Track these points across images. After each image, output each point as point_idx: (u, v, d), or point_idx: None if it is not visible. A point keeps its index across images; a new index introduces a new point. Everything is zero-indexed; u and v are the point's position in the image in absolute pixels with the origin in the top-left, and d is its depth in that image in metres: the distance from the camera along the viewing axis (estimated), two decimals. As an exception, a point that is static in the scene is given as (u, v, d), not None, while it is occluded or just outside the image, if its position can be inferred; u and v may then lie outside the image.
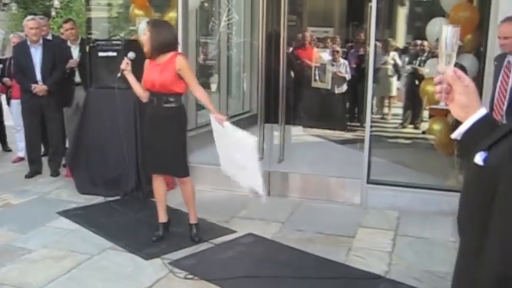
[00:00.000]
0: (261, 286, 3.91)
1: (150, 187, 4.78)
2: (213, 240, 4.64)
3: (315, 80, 8.77)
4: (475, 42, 5.67)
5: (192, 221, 4.65)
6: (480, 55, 5.52)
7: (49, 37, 7.10)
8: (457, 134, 1.40)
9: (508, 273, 1.01)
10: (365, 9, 8.70)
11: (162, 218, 4.67)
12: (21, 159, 7.34)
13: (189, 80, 4.38)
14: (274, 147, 6.55)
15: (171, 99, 4.39)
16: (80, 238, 4.71)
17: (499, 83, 4.33)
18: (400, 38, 11.85)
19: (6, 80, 7.41)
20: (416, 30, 10.65)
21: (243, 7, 9.28)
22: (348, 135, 9.04)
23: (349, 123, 9.66)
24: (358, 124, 9.32)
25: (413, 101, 8.89)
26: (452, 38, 1.46)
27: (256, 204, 5.61)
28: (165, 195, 4.67)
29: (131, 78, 4.43)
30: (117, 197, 5.76)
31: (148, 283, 3.87)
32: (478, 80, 5.26)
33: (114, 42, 6.24)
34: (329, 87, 8.87)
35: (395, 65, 9.67)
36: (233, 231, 4.87)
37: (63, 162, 6.73)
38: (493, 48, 4.82)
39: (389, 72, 9.68)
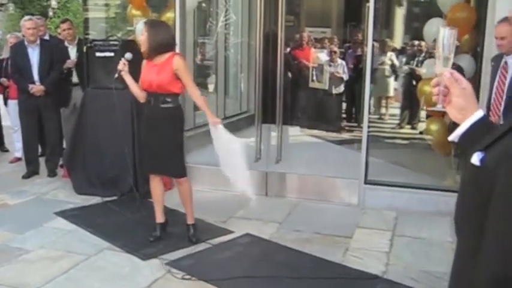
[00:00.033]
0: (258, 286, 3.91)
1: (148, 187, 4.78)
2: (211, 240, 4.64)
3: (313, 80, 8.77)
4: (472, 43, 5.68)
5: (190, 221, 4.65)
6: (477, 55, 5.53)
7: (46, 37, 7.08)
8: (454, 136, 1.40)
9: (504, 274, 1.01)
10: (362, 10, 8.69)
11: (160, 218, 4.67)
12: (19, 159, 7.33)
13: (185, 81, 4.38)
14: (272, 148, 6.56)
15: (169, 100, 4.39)
16: (77, 238, 4.70)
17: (496, 84, 4.34)
18: (398, 39, 11.86)
19: (3, 80, 7.40)
20: (414, 31, 10.67)
21: (241, 7, 9.29)
22: (346, 135, 9.04)
23: (346, 124, 9.67)
24: (355, 124, 9.32)
25: (411, 102, 8.90)
26: (449, 40, 1.47)
27: (254, 205, 5.62)
28: (162, 195, 4.67)
29: (128, 79, 4.43)
30: (114, 198, 5.76)
31: (146, 283, 3.87)
32: (475, 81, 5.27)
33: (111, 42, 6.23)
34: (326, 87, 8.87)
35: (392, 66, 9.68)
36: (230, 232, 4.87)
37: (61, 162, 6.72)
38: (490, 49, 4.83)
39: (387, 73, 9.69)
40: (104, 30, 8.06)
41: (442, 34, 1.47)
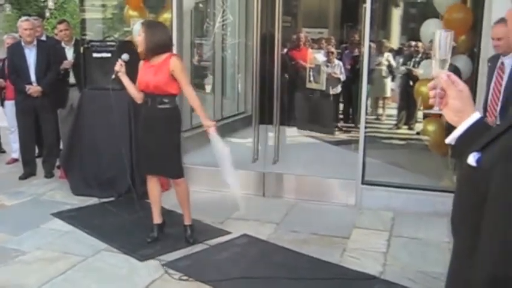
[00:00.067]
0: (255, 287, 3.91)
1: (145, 188, 4.77)
2: (208, 241, 4.64)
3: (310, 81, 8.78)
4: (468, 43, 5.70)
5: (187, 222, 4.65)
6: (474, 56, 5.54)
7: (43, 38, 7.08)
8: (451, 139, 1.41)
9: (500, 274, 1.02)
10: (359, 10, 8.71)
11: (157, 219, 4.67)
12: (15, 160, 7.32)
13: (181, 82, 4.38)
14: (269, 148, 6.55)
15: (166, 100, 4.39)
16: (74, 239, 4.69)
17: (492, 84, 4.35)
18: (394, 39, 11.86)
19: (0, 81, 7.39)
20: (411, 31, 10.67)
21: (238, 8, 9.29)
22: (343, 136, 9.05)
23: (343, 125, 9.67)
24: (352, 125, 9.33)
25: (408, 102, 8.91)
26: (445, 42, 1.47)
27: (251, 206, 5.62)
28: (159, 196, 4.67)
29: (125, 80, 4.43)
30: (112, 198, 5.75)
31: (143, 284, 3.87)
32: (472, 81, 5.28)
33: (108, 43, 6.23)
34: (323, 88, 8.87)
35: (389, 66, 9.69)
36: (228, 233, 4.87)
37: (57, 163, 6.71)
38: (487, 49, 4.84)
39: (384, 73, 9.70)
40: (101, 31, 8.06)
41: (438, 37, 1.48)
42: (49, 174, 6.64)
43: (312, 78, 8.74)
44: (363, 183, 5.63)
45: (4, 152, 8.08)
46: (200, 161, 5.95)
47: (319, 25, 11.66)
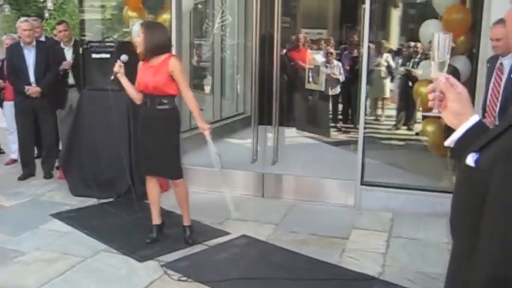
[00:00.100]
0: (254, 288, 3.91)
1: (144, 189, 4.77)
2: (207, 242, 4.64)
3: (309, 81, 8.77)
4: (467, 44, 5.70)
5: (186, 223, 4.65)
6: (473, 57, 5.55)
7: (42, 39, 7.08)
8: (450, 142, 1.41)
9: (499, 274, 1.02)
10: (358, 11, 8.72)
11: (156, 220, 4.66)
12: (15, 161, 7.31)
13: (180, 83, 4.37)
14: (268, 149, 6.56)
15: (165, 101, 4.39)
16: (73, 240, 4.69)
17: (491, 85, 4.35)
18: (394, 40, 11.86)
19: (-1, 81, 7.39)
20: (410, 32, 10.67)
21: (237, 9, 9.29)
22: (342, 136, 9.06)
23: (342, 125, 9.68)
24: (351, 126, 9.33)
25: (407, 103, 8.91)
26: (444, 45, 1.47)
27: (250, 206, 5.63)
28: (158, 197, 4.66)
29: (124, 81, 4.43)
30: (111, 199, 5.75)
31: (142, 285, 3.86)
32: (471, 82, 5.28)
33: (107, 44, 6.23)
34: (323, 88, 8.87)
35: (388, 67, 9.69)
36: (227, 233, 4.86)
37: (57, 164, 6.71)
38: (486, 50, 4.85)
39: (383, 74, 9.70)
40: (100, 32, 8.06)
41: (436, 39, 1.48)
42: (48, 175, 6.63)
43: (311, 79, 8.73)
44: (362, 183, 5.63)
45: (3, 152, 8.07)
46: (199, 162, 5.95)
47: (318, 26, 11.66)
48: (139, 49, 4.36)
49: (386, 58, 9.71)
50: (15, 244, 4.57)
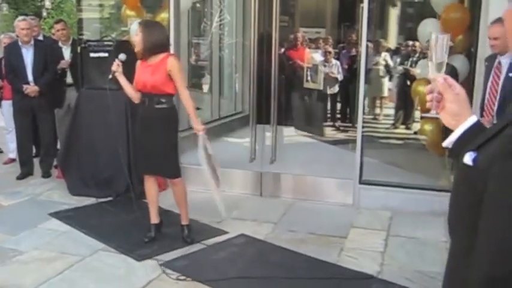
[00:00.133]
0: (253, 287, 3.91)
1: (142, 188, 4.77)
2: (205, 241, 4.64)
3: (307, 80, 8.78)
4: (466, 43, 5.70)
5: (184, 222, 4.65)
6: (471, 56, 5.55)
7: (40, 38, 7.06)
8: (448, 142, 1.41)
9: (497, 273, 1.02)
10: (357, 10, 8.72)
11: (154, 219, 4.66)
12: (13, 160, 7.30)
13: (177, 82, 4.37)
14: (266, 148, 6.56)
15: (163, 100, 4.38)
16: (72, 239, 4.69)
17: (489, 84, 4.35)
18: (392, 39, 11.88)
19: (-3, 81, 7.38)
20: (408, 31, 10.70)
21: (235, 8, 9.29)
22: (340, 135, 9.06)
23: (340, 124, 9.68)
24: (350, 124, 9.34)
25: (405, 102, 8.92)
26: (441, 45, 1.47)
27: (249, 205, 5.63)
28: (156, 196, 4.66)
29: (122, 80, 4.42)
30: (109, 198, 5.75)
31: (140, 284, 3.86)
32: (469, 81, 5.29)
33: (105, 43, 6.22)
34: (321, 87, 8.88)
35: (386, 66, 9.70)
36: (225, 232, 4.86)
37: (55, 163, 6.70)
38: (484, 49, 4.85)
39: (381, 73, 9.71)
40: (98, 31, 8.05)
41: (433, 40, 1.48)
42: (46, 174, 6.63)
43: (309, 78, 8.74)
44: (360, 182, 5.63)
45: (1, 152, 8.06)
46: (197, 161, 5.94)
47: (317, 25, 11.67)
48: (138, 48, 4.36)
49: (385, 57, 9.72)
50: (13, 243, 4.57)
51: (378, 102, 10.24)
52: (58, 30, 7.19)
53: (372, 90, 9.50)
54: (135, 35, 4.42)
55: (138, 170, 4.90)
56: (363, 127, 5.70)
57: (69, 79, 6.98)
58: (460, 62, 5.48)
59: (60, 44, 7.05)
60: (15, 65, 6.42)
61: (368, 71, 6.86)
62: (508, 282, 1.00)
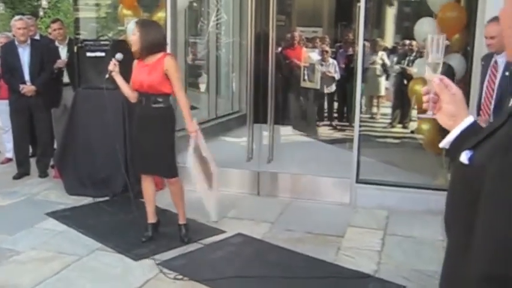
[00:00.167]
0: (250, 286, 3.91)
1: (139, 187, 4.77)
2: (203, 240, 4.64)
3: (304, 79, 8.78)
4: (462, 42, 5.71)
5: (181, 221, 4.65)
6: (468, 55, 5.56)
7: (37, 37, 7.05)
8: (445, 143, 1.41)
9: (494, 272, 1.02)
10: (353, 9, 8.71)
11: (151, 218, 4.66)
12: (9, 160, 7.29)
13: (173, 82, 4.36)
14: (264, 147, 6.56)
15: (160, 100, 4.38)
16: (69, 239, 4.68)
17: (486, 83, 4.36)
18: (389, 38, 11.88)
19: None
20: (405, 30, 10.68)
21: (232, 7, 9.29)
22: (337, 134, 9.07)
23: (337, 123, 9.69)
24: (347, 124, 9.34)
25: (402, 101, 8.93)
26: (437, 46, 1.47)
27: (246, 205, 5.63)
28: (154, 195, 4.66)
29: (119, 80, 4.42)
30: (106, 198, 5.74)
31: (138, 284, 3.86)
32: (466, 80, 5.29)
33: (102, 42, 6.22)
34: (318, 87, 8.89)
35: (383, 65, 9.70)
36: (222, 232, 4.86)
37: (52, 163, 6.69)
38: (480, 48, 4.85)
39: (378, 72, 9.71)
40: (95, 30, 8.04)
41: (429, 41, 1.48)
42: (43, 174, 6.62)
43: (306, 77, 8.74)
44: (357, 181, 5.64)
45: (-2, 151, 8.05)
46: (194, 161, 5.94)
47: (314, 24, 11.65)
48: (135, 47, 4.35)
49: (382, 56, 9.72)
50: (10, 243, 4.56)
51: (374, 101, 10.24)
52: (55, 30, 7.18)
53: (369, 89, 9.51)
54: (132, 34, 4.41)
55: (135, 170, 4.90)
56: (360, 126, 5.71)
57: (65, 79, 6.96)
58: (456, 61, 5.49)
59: (56, 43, 7.04)
60: (12, 65, 6.41)
61: (365, 70, 6.87)
62: (506, 280, 1.00)
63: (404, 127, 9.16)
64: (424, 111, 1.48)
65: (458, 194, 1.19)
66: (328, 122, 9.73)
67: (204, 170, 4.60)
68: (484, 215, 1.05)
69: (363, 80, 5.79)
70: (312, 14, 12.12)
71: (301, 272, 4.09)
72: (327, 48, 9.34)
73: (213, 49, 8.94)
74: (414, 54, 8.79)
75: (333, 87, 9.36)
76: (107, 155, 5.68)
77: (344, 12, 11.05)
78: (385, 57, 9.77)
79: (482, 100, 4.36)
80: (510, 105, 1.98)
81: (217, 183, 4.80)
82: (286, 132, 8.45)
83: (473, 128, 1.38)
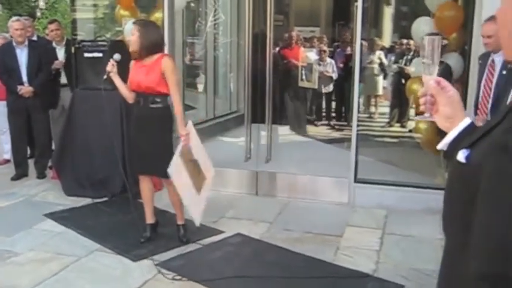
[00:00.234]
0: (249, 286, 3.91)
1: (137, 188, 4.76)
2: (201, 240, 4.64)
3: (302, 79, 8.78)
4: (460, 41, 5.71)
5: (180, 221, 4.64)
6: (465, 54, 5.56)
7: (34, 38, 7.04)
8: (443, 145, 1.41)
9: (492, 270, 1.02)
10: (351, 9, 8.72)
11: (150, 219, 4.66)
12: (7, 161, 7.28)
13: (170, 83, 4.34)
14: (262, 147, 6.56)
15: (158, 100, 4.38)
16: (67, 240, 4.68)
17: (483, 82, 4.36)
18: (386, 37, 11.89)
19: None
20: (402, 30, 10.69)
21: (230, 7, 9.29)
22: (335, 134, 9.07)
23: (335, 123, 9.69)
24: (345, 123, 9.34)
25: (400, 100, 8.94)
26: (433, 48, 1.48)
27: (244, 205, 5.63)
28: (152, 196, 4.66)
29: (117, 80, 4.41)
30: (105, 199, 5.74)
31: (136, 284, 3.86)
32: (463, 79, 5.30)
33: (99, 43, 6.21)
34: (316, 86, 8.89)
35: (381, 64, 9.71)
36: (221, 232, 4.86)
37: (50, 164, 6.68)
38: (478, 47, 4.86)
39: (376, 71, 9.71)
40: (92, 31, 8.04)
41: (426, 42, 1.48)
42: (41, 175, 6.61)
43: (304, 77, 8.74)
44: (355, 181, 5.64)
45: (-5, 153, 8.04)
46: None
47: (311, 24, 11.66)
48: (134, 48, 4.35)
49: (379, 55, 9.72)
50: (8, 245, 4.55)
51: (372, 100, 10.25)
52: (52, 31, 7.17)
53: (367, 88, 9.51)
54: (131, 35, 4.40)
55: (133, 170, 4.89)
56: (358, 125, 5.71)
57: (63, 79, 6.95)
58: (454, 60, 5.49)
59: (54, 44, 7.03)
60: (10, 66, 6.40)
61: (363, 70, 6.87)
62: (503, 279, 1.00)
63: (403, 126, 9.17)
64: (422, 113, 1.48)
65: (455, 193, 1.20)
66: (326, 122, 9.73)
67: (193, 174, 4.54)
68: (481, 213, 1.05)
69: (361, 80, 5.79)
70: (309, 14, 12.13)
71: (300, 271, 4.09)
72: (325, 48, 9.34)
73: (210, 49, 8.94)
74: (412, 53, 8.80)
75: (331, 87, 9.36)
76: (105, 156, 5.67)
77: (342, 12, 11.05)
78: (382, 56, 9.77)
79: (480, 99, 4.37)
80: (507, 103, 1.98)
81: (209, 189, 4.73)
82: (284, 132, 8.46)
83: (470, 129, 1.38)
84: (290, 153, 6.99)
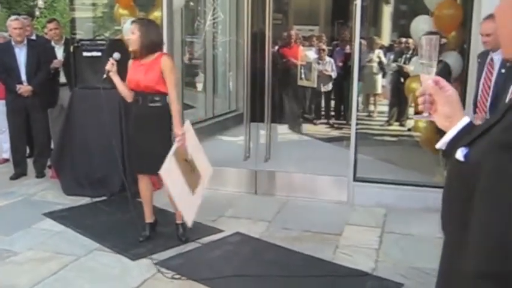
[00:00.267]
0: (248, 285, 3.91)
1: (136, 187, 4.76)
2: (200, 239, 4.64)
3: (301, 78, 8.78)
4: (458, 40, 5.71)
5: (179, 220, 4.64)
6: (464, 52, 5.56)
7: (33, 37, 7.04)
8: (442, 144, 1.41)
9: (490, 268, 1.02)
10: (350, 8, 8.71)
11: (149, 218, 4.66)
12: (6, 160, 7.28)
13: (168, 82, 4.34)
14: (261, 146, 6.56)
15: (157, 99, 4.37)
16: (66, 239, 4.68)
17: (482, 80, 4.36)
18: (385, 36, 11.89)
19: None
20: (401, 28, 10.69)
21: (228, 6, 9.29)
22: (334, 132, 9.07)
23: (334, 121, 9.69)
24: (344, 122, 9.35)
25: (399, 99, 8.93)
26: (431, 47, 1.47)
27: (243, 204, 5.63)
28: (151, 195, 4.66)
29: (117, 79, 4.40)
30: (104, 198, 5.73)
31: (135, 284, 3.86)
32: (462, 77, 5.30)
33: (98, 42, 6.20)
34: (315, 85, 8.89)
35: (380, 63, 9.70)
36: (220, 231, 4.86)
37: (49, 163, 6.68)
38: (477, 46, 4.86)
39: (375, 70, 9.71)
40: (91, 30, 8.03)
41: (423, 42, 1.48)
42: (40, 174, 6.61)
43: (303, 76, 8.74)
44: (354, 180, 5.64)
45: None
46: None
47: (310, 22, 11.67)
48: (133, 47, 4.34)
49: (378, 54, 9.72)
50: (7, 244, 4.55)
51: (371, 99, 10.26)
52: (51, 30, 7.16)
53: (366, 87, 9.52)
54: (131, 34, 4.38)
55: (132, 169, 4.89)
56: (357, 124, 5.71)
57: (62, 79, 6.95)
58: (453, 59, 5.49)
59: (53, 43, 7.02)
60: (8, 65, 6.39)
61: (362, 68, 6.87)
62: (501, 277, 1.00)
63: (402, 125, 9.16)
64: (420, 113, 1.48)
65: (454, 191, 1.20)
66: (325, 120, 9.73)
67: (188, 174, 4.51)
68: (479, 211, 1.05)
69: (360, 78, 5.79)
70: (308, 13, 12.14)
71: (299, 270, 4.09)
72: (324, 47, 9.35)
73: (209, 48, 8.94)
74: (411, 52, 8.79)
75: (330, 86, 9.36)
76: (104, 155, 5.67)
77: (340, 11, 11.06)
78: (381, 55, 9.78)
79: (479, 97, 4.37)
80: (506, 101, 1.98)
81: (203, 188, 4.71)
82: (283, 130, 8.46)
83: (469, 128, 1.38)
84: (289, 152, 6.99)
